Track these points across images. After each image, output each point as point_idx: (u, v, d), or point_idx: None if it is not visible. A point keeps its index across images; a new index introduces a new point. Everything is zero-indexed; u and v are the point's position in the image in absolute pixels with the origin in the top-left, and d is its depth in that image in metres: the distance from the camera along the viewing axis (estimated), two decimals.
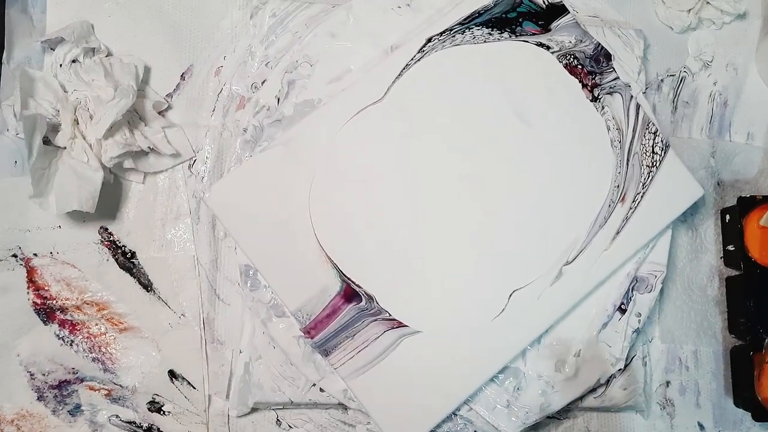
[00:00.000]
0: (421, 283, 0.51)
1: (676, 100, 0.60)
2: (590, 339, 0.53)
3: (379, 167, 0.52)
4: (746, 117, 0.60)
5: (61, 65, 0.53)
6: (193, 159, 0.55)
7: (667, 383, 0.56)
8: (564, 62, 0.54)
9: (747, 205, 0.55)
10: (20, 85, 0.50)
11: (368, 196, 0.52)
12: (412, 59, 0.53)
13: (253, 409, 0.53)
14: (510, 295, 0.51)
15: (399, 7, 0.55)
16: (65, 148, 0.52)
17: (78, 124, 0.52)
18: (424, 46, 0.53)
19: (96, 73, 0.52)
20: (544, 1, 0.55)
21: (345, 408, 0.53)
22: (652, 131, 0.54)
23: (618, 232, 0.53)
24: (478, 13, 0.54)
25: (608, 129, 0.54)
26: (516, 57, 0.54)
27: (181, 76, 0.56)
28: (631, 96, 0.54)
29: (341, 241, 0.51)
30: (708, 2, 0.59)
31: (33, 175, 0.50)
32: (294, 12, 0.56)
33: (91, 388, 0.53)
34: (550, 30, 0.54)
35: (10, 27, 0.54)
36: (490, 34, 0.54)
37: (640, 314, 0.54)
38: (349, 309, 0.50)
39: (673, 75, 0.60)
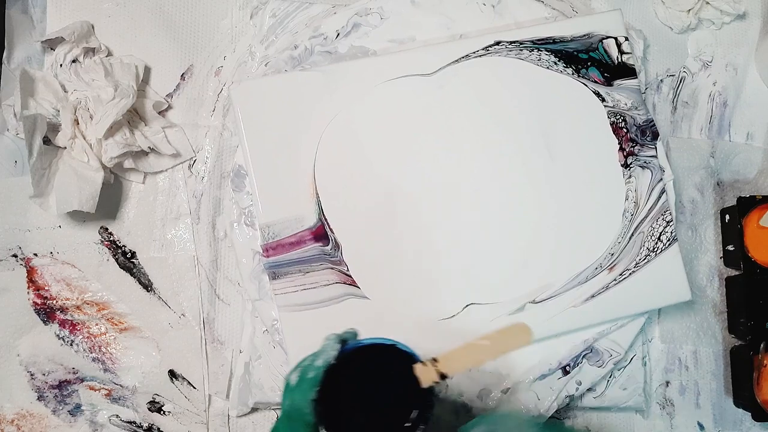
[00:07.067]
0: (390, 255, 0.51)
1: (675, 100, 0.60)
2: (523, 384, 0.52)
3: (400, 134, 0.52)
4: (746, 117, 0.60)
5: (61, 65, 0.53)
6: (193, 159, 0.55)
7: (667, 383, 0.56)
8: (612, 119, 0.54)
9: (747, 205, 0.55)
10: (20, 85, 0.50)
11: (377, 155, 0.52)
12: (474, 52, 0.53)
13: (253, 409, 0.53)
14: (466, 306, 0.51)
15: (484, 4, 0.56)
16: (65, 148, 0.52)
17: (78, 124, 0.52)
18: (490, 45, 0.54)
19: (96, 73, 0.52)
20: (618, 57, 0.55)
21: None
22: (666, 220, 0.53)
23: (593, 296, 0.52)
24: (553, 40, 0.54)
25: (626, 198, 0.54)
26: (569, 94, 0.54)
27: (181, 76, 0.56)
28: (661, 179, 0.54)
29: (335, 182, 0.51)
30: (708, 2, 0.59)
31: (33, 175, 0.50)
32: (294, 12, 0.56)
33: (92, 388, 0.53)
34: (611, 85, 0.54)
35: (10, 27, 0.54)
36: (555, 64, 0.54)
37: (580, 383, 0.53)
38: (313, 246, 0.50)
39: (672, 75, 0.60)
